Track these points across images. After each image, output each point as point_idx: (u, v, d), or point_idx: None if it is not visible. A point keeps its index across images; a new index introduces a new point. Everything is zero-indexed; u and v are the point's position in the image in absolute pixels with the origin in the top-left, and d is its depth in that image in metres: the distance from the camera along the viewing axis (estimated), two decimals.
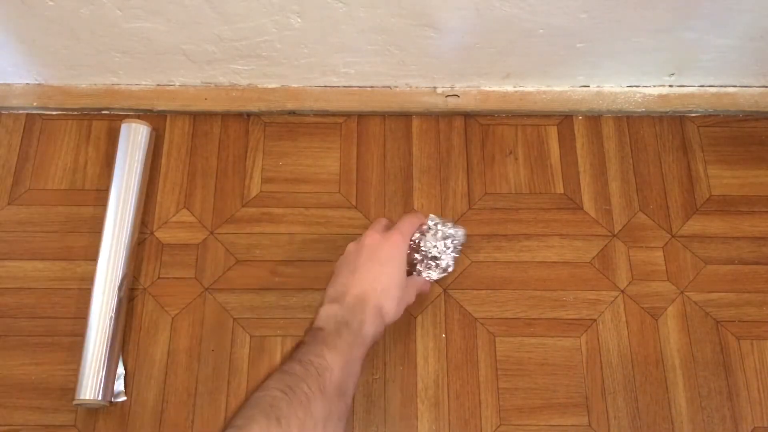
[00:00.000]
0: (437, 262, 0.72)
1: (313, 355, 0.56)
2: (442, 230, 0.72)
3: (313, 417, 0.52)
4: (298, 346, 0.58)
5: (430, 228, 0.72)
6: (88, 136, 0.84)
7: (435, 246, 0.72)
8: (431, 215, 0.74)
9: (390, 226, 0.70)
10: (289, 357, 0.56)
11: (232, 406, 0.72)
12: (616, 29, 0.74)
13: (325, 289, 0.65)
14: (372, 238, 0.66)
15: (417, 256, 0.72)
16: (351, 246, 0.67)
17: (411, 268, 0.72)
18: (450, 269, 0.73)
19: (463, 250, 0.77)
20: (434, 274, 0.73)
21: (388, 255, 0.65)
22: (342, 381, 0.56)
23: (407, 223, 0.69)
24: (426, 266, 0.72)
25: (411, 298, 0.68)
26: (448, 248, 0.72)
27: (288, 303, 0.76)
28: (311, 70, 0.82)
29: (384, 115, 0.85)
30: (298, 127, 0.85)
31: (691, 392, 0.73)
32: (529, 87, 0.85)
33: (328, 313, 0.60)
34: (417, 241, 0.72)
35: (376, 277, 0.63)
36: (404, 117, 0.85)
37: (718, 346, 0.75)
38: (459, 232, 0.73)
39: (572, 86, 0.85)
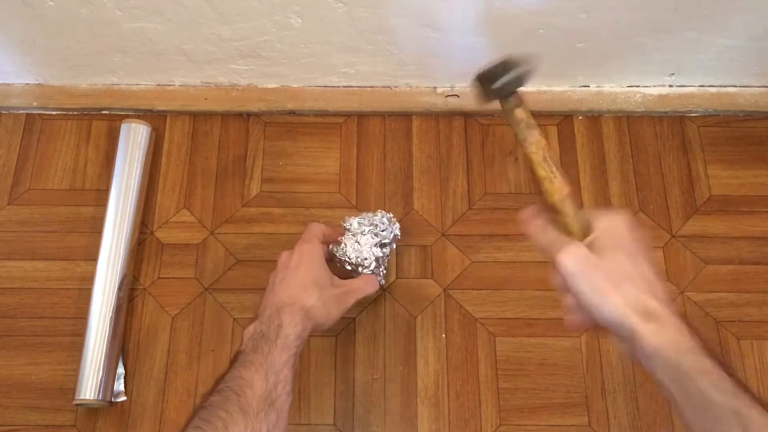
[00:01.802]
0: (364, 260, 0.69)
1: (230, 379, 0.55)
2: (350, 231, 0.70)
3: None
4: (221, 376, 0.56)
5: (344, 235, 0.70)
6: (88, 136, 0.84)
7: (353, 249, 0.69)
8: (345, 218, 0.71)
9: (326, 233, 0.69)
10: (211, 390, 0.55)
11: None
12: (616, 29, 0.74)
13: None
14: (284, 255, 0.66)
15: (347, 267, 0.70)
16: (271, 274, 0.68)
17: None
18: (377, 257, 0.70)
19: (463, 250, 0.77)
20: (371, 271, 0.70)
21: (298, 260, 0.64)
22: (268, 391, 0.54)
23: (309, 232, 0.68)
24: (360, 269, 0.70)
25: (348, 298, 0.66)
26: (365, 243, 0.70)
27: None
28: (311, 70, 0.82)
29: (384, 115, 0.85)
30: (298, 127, 0.85)
31: None
32: (529, 87, 0.84)
33: (248, 334, 0.60)
34: (335, 253, 0.70)
35: (289, 284, 0.63)
36: (404, 117, 0.85)
37: (718, 346, 0.75)
38: (366, 221, 0.70)
39: (572, 86, 0.85)
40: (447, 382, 0.73)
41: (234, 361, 0.57)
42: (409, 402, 0.72)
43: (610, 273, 0.48)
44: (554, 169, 0.54)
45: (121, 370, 0.72)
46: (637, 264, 0.49)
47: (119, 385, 0.72)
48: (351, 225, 0.70)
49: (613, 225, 0.51)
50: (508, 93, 0.57)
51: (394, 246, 0.73)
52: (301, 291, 0.62)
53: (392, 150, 0.84)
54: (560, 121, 0.85)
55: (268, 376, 0.55)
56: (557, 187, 0.53)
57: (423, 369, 0.74)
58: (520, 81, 0.57)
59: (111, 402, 0.71)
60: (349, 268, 0.70)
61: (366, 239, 0.70)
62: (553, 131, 0.84)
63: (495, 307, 0.76)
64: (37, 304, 0.76)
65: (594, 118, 0.85)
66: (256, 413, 0.52)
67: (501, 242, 0.79)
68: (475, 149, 0.83)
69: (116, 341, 0.72)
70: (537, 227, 0.54)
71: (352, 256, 0.69)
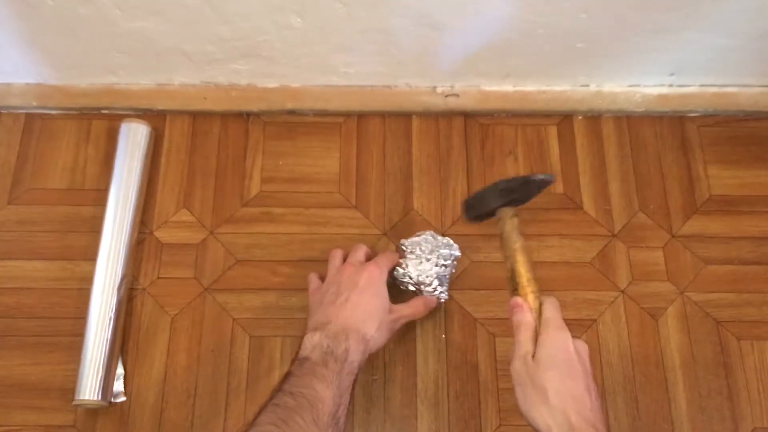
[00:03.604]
0: (426, 279, 0.72)
1: (303, 386, 0.56)
2: (413, 253, 0.73)
3: None
4: (286, 377, 0.58)
5: (405, 257, 0.73)
6: (87, 136, 0.84)
7: (415, 270, 0.72)
8: (402, 240, 0.74)
9: (370, 255, 0.72)
10: (278, 389, 0.56)
11: (231, 406, 0.72)
12: (616, 29, 0.74)
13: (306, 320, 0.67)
14: (348, 269, 0.67)
15: (410, 288, 0.73)
16: (330, 277, 0.69)
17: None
18: (439, 276, 0.73)
19: (463, 250, 0.77)
20: (433, 291, 0.73)
21: (366, 283, 0.66)
22: (334, 411, 0.56)
23: (384, 258, 0.70)
24: (423, 288, 0.72)
25: (397, 323, 0.68)
26: (426, 264, 0.72)
27: (288, 303, 0.76)
28: (311, 70, 0.82)
29: (384, 115, 0.85)
30: (298, 126, 0.85)
31: (691, 392, 0.73)
32: (529, 87, 0.85)
33: (312, 342, 0.60)
34: (397, 277, 0.72)
35: (355, 306, 0.64)
36: (404, 117, 0.85)
37: (718, 346, 0.75)
38: (427, 244, 0.73)
39: (572, 86, 0.85)
40: (447, 382, 0.73)
41: (299, 365, 0.58)
42: (409, 402, 0.72)
43: (542, 388, 0.55)
44: (532, 276, 0.63)
45: (120, 370, 0.72)
46: (568, 381, 0.55)
47: (119, 386, 0.72)
48: (411, 247, 0.73)
49: (554, 342, 0.58)
50: (491, 214, 0.68)
51: (454, 264, 0.75)
52: (367, 319, 0.64)
53: (392, 150, 0.83)
54: (560, 121, 0.85)
55: (335, 396, 0.57)
56: (532, 288, 0.63)
57: (423, 369, 0.74)
58: (502, 202, 0.67)
59: (111, 402, 0.71)
60: (412, 288, 0.73)
61: (428, 263, 0.72)
62: (553, 131, 0.84)
63: (495, 307, 0.76)
64: (37, 304, 0.76)
65: (594, 118, 0.85)
66: (326, 428, 0.54)
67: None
68: (474, 149, 0.83)
69: (116, 341, 0.72)
70: (520, 323, 0.61)
71: (414, 275, 0.72)
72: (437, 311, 0.75)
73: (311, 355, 0.59)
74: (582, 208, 0.81)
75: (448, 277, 0.74)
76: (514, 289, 0.63)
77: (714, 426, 0.72)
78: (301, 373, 0.57)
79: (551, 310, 0.60)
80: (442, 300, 0.73)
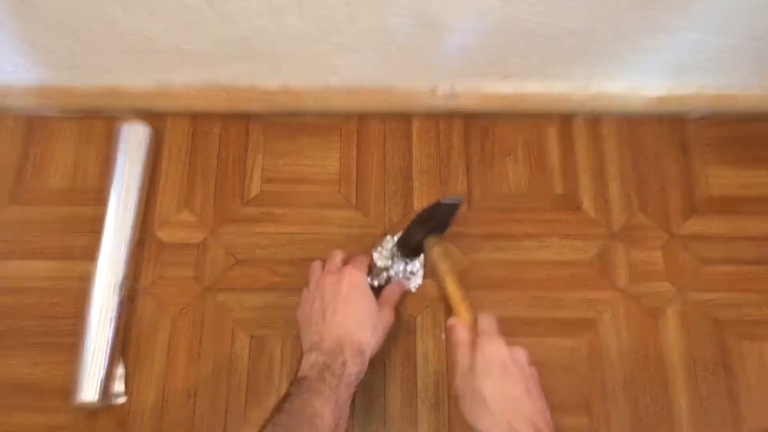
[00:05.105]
0: (389, 274, 0.75)
1: (302, 404, 0.56)
2: (382, 247, 0.76)
3: None
4: (285, 397, 0.58)
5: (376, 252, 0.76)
6: (88, 137, 0.84)
7: (384, 264, 0.75)
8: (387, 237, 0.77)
9: (345, 260, 0.72)
10: (277, 409, 0.57)
11: (232, 407, 0.72)
12: (617, 29, 0.74)
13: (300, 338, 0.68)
14: (328, 279, 0.67)
15: (384, 283, 0.75)
16: (305, 293, 0.70)
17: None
18: (408, 271, 0.76)
19: (463, 250, 0.77)
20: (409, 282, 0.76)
21: (350, 289, 0.66)
22: (333, 425, 0.56)
23: (358, 260, 0.71)
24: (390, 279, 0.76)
25: (389, 318, 0.70)
26: (393, 259, 0.75)
27: (288, 303, 0.76)
28: (311, 70, 0.82)
29: (384, 116, 0.85)
30: (299, 127, 0.85)
31: (691, 392, 0.73)
32: (529, 88, 0.85)
33: (309, 361, 0.61)
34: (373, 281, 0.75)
35: (345, 316, 0.64)
36: (404, 117, 0.85)
37: (718, 347, 0.75)
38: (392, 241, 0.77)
39: (572, 87, 0.85)
40: (447, 382, 0.73)
41: (297, 385, 0.59)
42: (409, 402, 0.72)
43: (482, 397, 0.58)
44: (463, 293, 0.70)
45: (121, 370, 0.72)
46: (505, 386, 0.59)
47: (119, 386, 0.72)
48: (378, 249, 0.76)
49: (489, 351, 0.61)
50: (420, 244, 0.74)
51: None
52: (359, 329, 0.64)
53: (392, 150, 0.84)
54: (560, 122, 0.85)
55: (334, 410, 0.57)
56: (465, 306, 0.68)
57: (423, 369, 0.74)
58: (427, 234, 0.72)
59: (111, 403, 0.71)
60: (384, 283, 0.75)
61: (388, 252, 0.76)
62: (552, 132, 0.85)
63: (495, 307, 0.76)
64: (37, 304, 0.76)
65: (594, 118, 0.85)
66: None
67: (501, 242, 0.79)
68: (474, 149, 0.83)
69: (116, 341, 0.72)
70: (456, 342, 0.65)
71: (382, 268, 0.75)
72: (437, 311, 0.76)
73: (309, 374, 0.59)
74: (582, 208, 0.81)
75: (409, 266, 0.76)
76: (451, 310, 0.69)
77: (714, 426, 0.72)
78: (298, 392, 0.58)
79: (485, 323, 0.65)
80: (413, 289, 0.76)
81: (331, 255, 0.73)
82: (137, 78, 0.84)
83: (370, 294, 0.68)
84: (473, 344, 0.63)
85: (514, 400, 0.58)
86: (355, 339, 0.63)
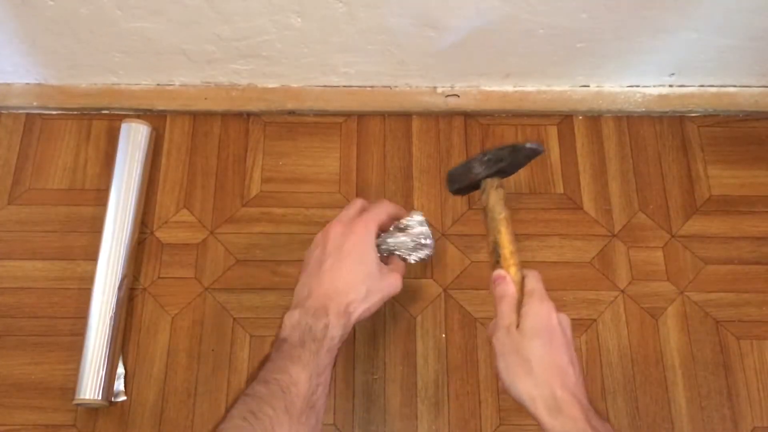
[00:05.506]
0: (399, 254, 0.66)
1: (278, 371, 0.54)
2: (396, 226, 0.66)
3: None
4: (264, 361, 0.56)
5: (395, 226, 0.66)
6: (88, 136, 0.84)
7: (395, 243, 0.66)
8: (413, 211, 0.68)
9: (366, 208, 0.66)
10: (254, 376, 0.55)
11: None
12: (616, 29, 0.74)
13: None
14: (335, 229, 0.62)
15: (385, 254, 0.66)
16: (318, 236, 0.63)
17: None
18: (417, 255, 0.66)
19: (463, 249, 0.77)
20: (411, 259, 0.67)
21: (351, 247, 0.61)
22: (310, 393, 0.54)
23: (374, 212, 0.64)
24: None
25: (392, 285, 0.63)
26: (407, 241, 0.66)
27: (288, 303, 0.75)
28: (311, 69, 0.82)
29: (384, 115, 0.85)
30: (298, 127, 0.85)
31: (691, 392, 0.73)
32: (529, 87, 0.85)
33: (292, 321, 0.58)
34: (380, 244, 0.65)
35: (339, 272, 0.60)
36: (404, 117, 0.85)
37: (718, 346, 0.75)
38: (413, 221, 0.67)
39: (572, 86, 0.85)
40: (447, 382, 0.73)
41: (277, 347, 0.56)
42: (409, 402, 0.72)
43: (526, 359, 0.54)
44: (515, 248, 0.62)
45: (121, 369, 0.72)
46: (552, 352, 0.54)
47: (119, 385, 0.72)
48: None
49: (538, 312, 0.56)
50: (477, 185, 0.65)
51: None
52: (350, 289, 0.59)
53: (392, 150, 0.84)
54: (560, 121, 0.85)
55: (311, 377, 0.55)
56: (515, 260, 0.61)
57: (423, 369, 0.74)
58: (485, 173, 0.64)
59: (111, 402, 0.71)
60: (386, 254, 0.66)
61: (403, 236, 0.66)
62: (553, 131, 0.85)
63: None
64: (37, 304, 0.76)
65: (594, 118, 0.85)
66: (299, 415, 0.53)
67: None
68: (475, 149, 0.83)
69: (116, 341, 0.72)
70: (504, 294, 0.59)
71: (391, 245, 0.66)
72: (437, 311, 0.76)
73: (290, 337, 0.57)
74: (582, 208, 0.81)
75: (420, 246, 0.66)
76: (497, 262, 0.60)
77: (714, 425, 0.72)
78: (277, 356, 0.56)
79: (534, 282, 0.59)
80: (411, 262, 0.67)
81: (350, 203, 0.67)
82: (137, 78, 0.84)
83: (371, 255, 0.62)
84: (520, 302, 0.58)
85: (560, 368, 0.54)
86: (343, 299, 0.59)
